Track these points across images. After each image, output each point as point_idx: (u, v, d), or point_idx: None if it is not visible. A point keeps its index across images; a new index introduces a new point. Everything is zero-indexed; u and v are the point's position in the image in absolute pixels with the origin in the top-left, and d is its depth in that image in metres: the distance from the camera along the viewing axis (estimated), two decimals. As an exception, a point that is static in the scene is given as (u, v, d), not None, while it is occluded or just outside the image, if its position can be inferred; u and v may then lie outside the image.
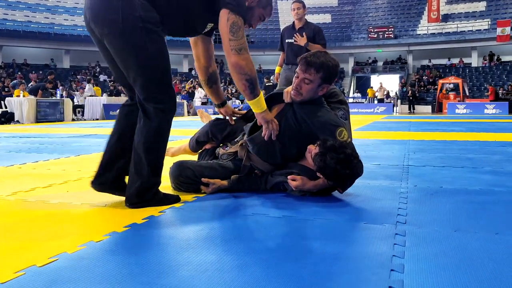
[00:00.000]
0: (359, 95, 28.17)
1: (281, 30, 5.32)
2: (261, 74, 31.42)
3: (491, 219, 1.85)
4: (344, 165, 2.07)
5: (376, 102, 24.26)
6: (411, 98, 25.14)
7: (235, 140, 2.55)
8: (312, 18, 35.67)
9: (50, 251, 1.42)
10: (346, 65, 33.00)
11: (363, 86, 29.89)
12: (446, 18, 31.36)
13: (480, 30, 29.23)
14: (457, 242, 1.55)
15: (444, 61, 30.84)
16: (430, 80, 28.43)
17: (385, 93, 25.34)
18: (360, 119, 14.25)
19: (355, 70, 32.95)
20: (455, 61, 30.49)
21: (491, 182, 2.72)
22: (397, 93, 27.09)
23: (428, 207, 2.07)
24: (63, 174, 3.03)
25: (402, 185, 2.61)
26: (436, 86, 26.55)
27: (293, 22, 5.19)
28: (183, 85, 25.54)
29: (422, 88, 28.22)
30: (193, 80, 25.69)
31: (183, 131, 8.12)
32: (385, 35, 31.31)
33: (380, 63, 32.74)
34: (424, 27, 31.41)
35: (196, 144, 2.72)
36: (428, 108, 25.90)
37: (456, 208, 2.04)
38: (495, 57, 29.17)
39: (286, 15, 36.38)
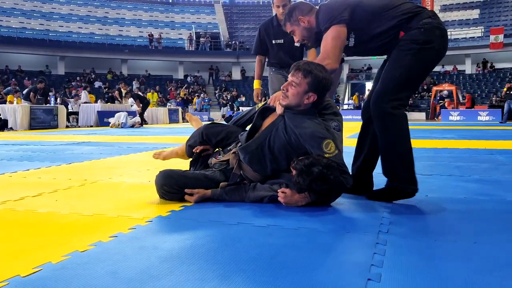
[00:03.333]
0: (353, 101, 28.31)
1: (260, 27, 4.15)
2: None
3: (472, 228, 1.88)
4: (319, 182, 2.11)
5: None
6: None
7: (228, 148, 2.57)
8: (307, 25, 35.94)
9: (35, 261, 1.44)
10: (341, 72, 33.11)
11: (356, 92, 29.94)
12: (439, 25, 31.56)
13: (473, 37, 29.48)
14: (436, 251, 1.58)
15: (438, 68, 30.99)
16: (425, 87, 28.58)
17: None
18: (353, 126, 14.30)
19: (349, 77, 33.09)
20: (449, 68, 30.69)
21: (477, 190, 2.76)
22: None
23: (411, 217, 2.11)
24: (53, 183, 3.04)
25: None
26: (430, 93, 26.72)
27: (275, 18, 4.03)
28: (178, 92, 25.55)
29: (416, 95, 28.36)
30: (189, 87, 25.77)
31: (176, 138, 8.13)
32: (380, 43, 31.50)
33: (374, 70, 32.86)
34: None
35: (189, 148, 2.73)
36: (423, 115, 26.04)
37: (439, 218, 2.08)
38: (489, 64, 29.40)
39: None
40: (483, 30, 29.28)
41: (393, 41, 2.33)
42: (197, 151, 2.70)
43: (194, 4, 39.17)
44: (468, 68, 30.08)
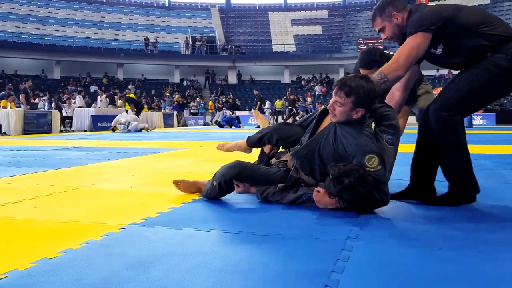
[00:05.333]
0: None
1: None
2: (252, 85, 31.60)
3: (440, 234, 1.91)
4: (348, 193, 2.14)
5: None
6: None
7: (291, 149, 2.62)
8: (303, 30, 36.05)
9: (1, 269, 1.46)
10: (337, 76, 33.20)
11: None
12: (435, 30, 31.75)
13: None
14: (400, 257, 1.61)
15: (433, 72, 31.11)
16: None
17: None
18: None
19: (345, 81, 33.19)
20: (444, 72, 30.80)
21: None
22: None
23: (382, 222, 2.14)
24: (35, 189, 3.06)
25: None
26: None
27: None
28: (173, 96, 25.59)
29: (411, 99, 28.48)
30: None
31: (169, 143, 8.15)
32: (375, 47, 31.65)
33: (370, 74, 33.05)
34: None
35: (257, 142, 2.78)
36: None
37: (409, 223, 2.11)
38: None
39: (277, 26, 36.72)
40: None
41: (478, 59, 2.32)
42: (267, 151, 2.79)
43: (190, 8, 39.25)
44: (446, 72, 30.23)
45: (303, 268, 1.48)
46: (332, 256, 1.60)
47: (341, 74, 32.97)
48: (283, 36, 35.79)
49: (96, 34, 32.74)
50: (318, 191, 2.26)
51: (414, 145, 2.63)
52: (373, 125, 2.41)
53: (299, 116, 22.98)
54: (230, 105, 21.72)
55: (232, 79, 33.86)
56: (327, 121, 2.46)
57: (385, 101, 2.59)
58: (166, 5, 38.83)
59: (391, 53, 2.80)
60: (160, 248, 1.70)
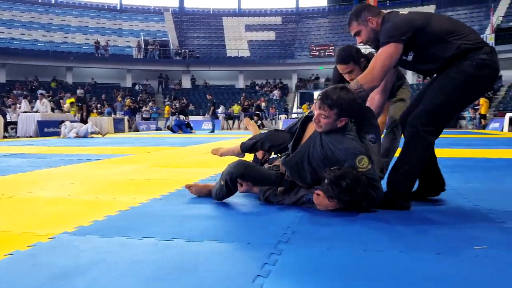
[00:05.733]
0: (302, 110, 28.85)
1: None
2: (206, 90, 31.49)
3: (370, 236, 1.99)
4: (347, 194, 2.29)
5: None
6: None
7: (283, 154, 2.77)
8: (257, 35, 36.34)
9: None
10: (290, 82, 33.75)
11: (306, 102, 30.53)
12: (383, 37, 32.85)
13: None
14: (329, 260, 1.67)
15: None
16: (369, 97, 29.59)
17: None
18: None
19: (298, 86, 33.72)
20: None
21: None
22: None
23: (318, 226, 2.20)
24: (-34, 199, 2.93)
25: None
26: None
27: None
28: (125, 100, 25.08)
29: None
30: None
31: (119, 149, 7.99)
32: (326, 53, 32.37)
33: (322, 80, 33.70)
34: (361, 46, 32.59)
35: (250, 148, 2.93)
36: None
37: (343, 225, 2.19)
38: (422, 76, 30.85)
39: (231, 31, 36.84)
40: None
41: (447, 66, 2.43)
42: (260, 156, 2.96)
43: (142, 11, 38.70)
44: (409, 78, 31.40)
45: (231, 273, 1.51)
46: (260, 260, 1.64)
47: (294, 80, 33.51)
48: (237, 41, 35.94)
49: (44, 37, 31.64)
50: (318, 194, 2.40)
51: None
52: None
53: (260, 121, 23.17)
54: (178, 110, 21.47)
55: (186, 83, 33.63)
56: (311, 128, 2.58)
57: (367, 104, 2.75)
58: (118, 7, 38.09)
59: (371, 52, 2.94)
60: (89, 257, 1.67)
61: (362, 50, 2.92)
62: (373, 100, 2.78)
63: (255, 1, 39.97)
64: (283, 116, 26.27)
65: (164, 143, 9.85)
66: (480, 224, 2.22)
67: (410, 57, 2.49)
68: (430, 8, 33.67)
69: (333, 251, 1.77)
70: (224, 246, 1.84)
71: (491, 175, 4.12)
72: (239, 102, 27.75)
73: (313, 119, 2.47)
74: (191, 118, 23.61)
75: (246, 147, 2.94)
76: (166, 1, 39.70)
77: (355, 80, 2.50)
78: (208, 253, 1.74)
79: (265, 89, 32.85)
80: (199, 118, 25.74)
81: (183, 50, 33.72)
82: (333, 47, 32.58)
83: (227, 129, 23.13)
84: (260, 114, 24.96)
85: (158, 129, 22.85)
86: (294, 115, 28.38)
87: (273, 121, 26.03)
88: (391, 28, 2.43)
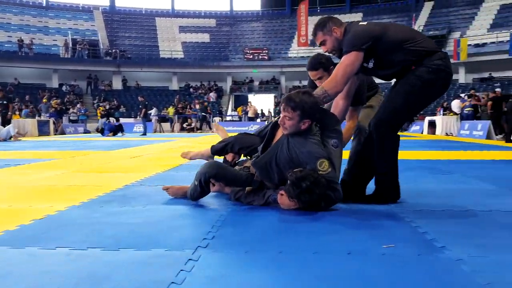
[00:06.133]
0: (236, 113, 29.00)
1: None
2: (138, 91, 30.73)
3: (290, 237, 2.05)
4: (306, 195, 2.45)
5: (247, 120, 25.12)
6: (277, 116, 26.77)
7: (254, 156, 2.92)
8: (191, 37, 36.05)
9: None
10: (225, 84, 33.81)
11: (240, 104, 30.74)
12: (314, 43, 33.64)
13: (343, 55, 32.01)
14: (245, 264, 1.70)
15: (314, 82, 33.12)
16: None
17: (257, 111, 26.35)
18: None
19: (233, 89, 33.86)
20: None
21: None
22: (271, 112, 28.40)
23: (239, 228, 2.23)
24: None
25: (229, 208, 2.75)
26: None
27: None
28: (50, 102, 23.87)
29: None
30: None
31: (42, 153, 7.59)
32: (260, 57, 32.81)
33: (256, 83, 34.10)
34: (295, 50, 33.56)
35: (220, 151, 3.11)
36: (300, 126, 27.54)
37: (265, 228, 2.23)
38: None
39: (164, 32, 36.26)
40: (351, 48, 31.95)
41: (405, 71, 2.68)
42: (229, 159, 3.09)
43: (70, 9, 37.01)
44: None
45: (144, 282, 1.49)
46: (176, 267, 1.63)
47: (229, 82, 33.61)
48: (170, 42, 35.43)
49: (-40, 33, 29.41)
50: (281, 194, 2.56)
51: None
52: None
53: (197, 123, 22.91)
54: (105, 113, 20.80)
55: (117, 84, 32.64)
56: (280, 133, 2.76)
57: (331, 109, 2.94)
58: (44, 4, 36.18)
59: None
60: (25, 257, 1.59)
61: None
62: (338, 105, 2.98)
63: (189, 2, 39.59)
64: (217, 119, 26.23)
65: (92, 147, 9.50)
66: (391, 223, 2.35)
67: (370, 64, 2.74)
68: (358, 16, 35.18)
69: (250, 255, 1.80)
70: (141, 254, 1.81)
71: (407, 176, 4.37)
72: (173, 104, 27.37)
73: (279, 121, 2.64)
74: (122, 120, 22.96)
75: (216, 150, 3.10)
76: (96, -1, 38.23)
77: (319, 86, 2.70)
78: (123, 262, 1.71)
79: (200, 91, 32.66)
80: (131, 120, 25.06)
81: (113, 50, 32.68)
82: (266, 51, 33.08)
83: (160, 132, 22.68)
84: (207, 116, 24.78)
85: (86, 131, 21.97)
86: (228, 118, 28.47)
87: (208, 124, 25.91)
88: (352, 38, 2.67)
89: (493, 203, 2.85)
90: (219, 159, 3.21)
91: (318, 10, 37.03)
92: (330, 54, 2.93)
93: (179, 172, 4.64)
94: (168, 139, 13.59)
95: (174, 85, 33.60)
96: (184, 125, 24.12)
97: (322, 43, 2.81)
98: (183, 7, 39.44)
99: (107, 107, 24.81)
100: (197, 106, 26.28)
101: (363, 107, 3.31)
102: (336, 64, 2.98)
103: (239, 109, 28.67)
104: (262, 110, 28.49)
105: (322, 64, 3.03)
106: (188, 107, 26.52)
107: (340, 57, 2.76)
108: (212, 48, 35.03)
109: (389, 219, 2.46)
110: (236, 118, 27.61)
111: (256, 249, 1.87)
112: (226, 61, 33.63)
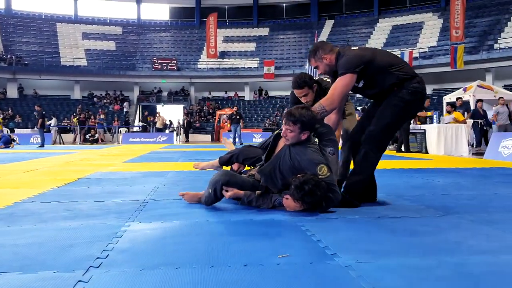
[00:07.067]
0: (144, 124, 28.16)
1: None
2: (37, 100, 28.76)
3: (181, 251, 2.03)
4: (309, 196, 2.77)
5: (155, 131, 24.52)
6: (185, 127, 26.67)
7: (256, 165, 3.30)
8: (95, 44, 34.57)
9: None
10: (132, 94, 32.85)
11: (148, 115, 29.97)
12: (223, 55, 34.25)
13: (251, 67, 32.80)
14: (137, 284, 1.64)
15: (222, 94, 33.43)
16: (210, 111, 30.41)
17: (166, 122, 25.91)
18: (138, 148, 14.21)
19: (140, 99, 33.00)
20: (231, 94, 33.39)
21: (212, 213, 3.01)
22: (180, 122, 28.09)
23: (136, 243, 2.16)
24: None
25: (126, 223, 2.66)
26: (215, 117, 28.54)
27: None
28: None
29: (202, 118, 29.97)
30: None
31: None
32: (169, 67, 32.39)
33: (165, 93, 33.59)
34: (204, 61, 33.65)
35: (226, 162, 3.46)
36: (208, 137, 27.59)
37: (167, 244, 2.18)
38: (264, 92, 33.06)
39: (66, 38, 34.41)
40: (258, 61, 32.85)
41: (388, 92, 3.11)
42: (235, 168, 3.40)
43: (-43, 9, 33.78)
44: (247, 94, 33.26)
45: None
46: (64, 289, 1.54)
47: (136, 92, 32.73)
48: (73, 49, 33.70)
49: None
50: (287, 198, 2.89)
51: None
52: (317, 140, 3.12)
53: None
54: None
55: (12, 92, 30.31)
56: (281, 143, 3.12)
57: (325, 121, 3.25)
58: None
59: (320, 77, 3.69)
60: None
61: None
62: (330, 118, 3.33)
63: (93, 9, 37.74)
64: (123, 130, 25.28)
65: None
66: (287, 232, 2.43)
67: (360, 84, 3.15)
68: (265, 31, 36.29)
69: (145, 273, 1.75)
70: (25, 278, 1.68)
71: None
72: (74, 114, 25.98)
73: (281, 134, 3.00)
74: (17, 131, 21.28)
75: (223, 161, 3.47)
76: (-12, 0, 35.18)
77: (318, 102, 3.07)
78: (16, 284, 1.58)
79: (105, 101, 31.38)
80: (27, 131, 23.35)
81: (9, 56, 30.30)
82: (175, 61, 32.75)
83: (60, 144, 21.28)
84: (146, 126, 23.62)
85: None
86: (135, 129, 27.59)
87: (114, 135, 24.91)
88: (347, 62, 3.05)
89: (381, 209, 3.06)
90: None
91: (227, 23, 37.57)
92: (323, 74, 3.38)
93: (77, 187, 4.40)
94: (68, 151, 12.83)
95: (77, 94, 31.97)
96: (87, 136, 22.94)
97: (316, 67, 3.25)
98: (87, 14, 37.74)
99: (1, 116, 22.84)
100: (102, 116, 25.19)
101: (345, 116, 3.71)
102: (317, 81, 3.58)
103: (148, 118, 27.77)
104: (171, 121, 28.05)
105: (306, 83, 3.46)
106: (92, 117, 25.34)
107: (333, 77, 3.25)
108: (118, 57, 33.91)
109: (286, 228, 2.54)
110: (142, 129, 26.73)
111: (152, 266, 1.82)
112: (133, 70, 32.72)
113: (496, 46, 25.53)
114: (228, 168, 3.49)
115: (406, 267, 1.81)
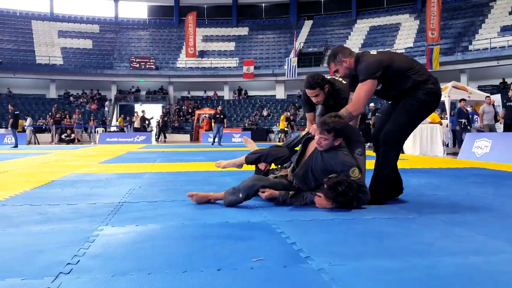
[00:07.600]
0: (118, 123, 27.82)
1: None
2: (11, 99, 28.13)
3: (156, 255, 2.00)
4: (341, 197, 2.99)
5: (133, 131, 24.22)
6: (160, 127, 26.46)
7: (284, 165, 3.58)
8: (71, 43, 33.99)
9: None
10: (109, 93, 32.43)
11: (127, 114, 29.64)
12: (202, 54, 34.09)
13: (230, 67, 32.73)
14: (112, 286, 1.62)
15: (201, 93, 33.26)
16: (189, 111, 30.23)
17: (144, 122, 25.62)
18: (116, 149, 14.01)
19: (118, 98, 32.60)
20: (211, 93, 33.26)
21: (188, 215, 2.98)
22: (160, 122, 27.81)
23: (110, 248, 2.13)
24: None
25: (99, 227, 2.62)
26: (193, 117, 28.39)
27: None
28: None
29: (181, 118, 29.77)
30: None
31: None
32: (147, 66, 32.08)
33: (143, 93, 33.24)
34: (183, 61, 33.42)
35: (254, 161, 3.63)
36: (187, 136, 27.43)
37: (140, 249, 2.15)
38: (243, 92, 33.03)
39: (41, 36, 33.75)
40: (238, 61, 32.81)
41: (405, 94, 3.30)
42: (262, 167, 3.61)
43: None
44: (227, 94, 33.18)
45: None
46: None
47: (114, 91, 32.32)
48: (48, 47, 33.07)
49: None
50: (319, 196, 3.09)
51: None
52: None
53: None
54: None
55: (-14, 93, 29.56)
56: (311, 146, 3.34)
57: None
58: None
59: (333, 77, 3.80)
60: None
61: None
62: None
63: (70, 6, 37.02)
64: (100, 130, 24.91)
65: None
66: (262, 235, 2.43)
67: (379, 87, 3.30)
68: (244, 30, 36.27)
69: (117, 279, 1.72)
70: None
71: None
72: (50, 113, 25.50)
73: (315, 142, 3.20)
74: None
75: (251, 160, 3.63)
76: (-40, -5, 34.19)
77: (344, 108, 3.27)
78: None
79: (81, 100, 30.89)
80: (1, 131, 22.83)
81: (-19, 54, 29.58)
82: (153, 60, 32.45)
83: (35, 144, 20.87)
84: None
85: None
86: (113, 128, 27.26)
87: (91, 135, 24.53)
88: (367, 67, 3.21)
89: (355, 211, 3.09)
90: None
91: (206, 22, 37.41)
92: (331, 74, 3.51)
93: (50, 190, 4.31)
94: (43, 151, 12.58)
95: (52, 93, 31.40)
96: (63, 136, 22.53)
97: (336, 71, 3.39)
98: (63, 11, 37.06)
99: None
100: (79, 116, 24.81)
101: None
102: (329, 81, 3.67)
103: (120, 119, 27.38)
104: (149, 120, 27.74)
105: (318, 84, 3.57)
106: (68, 116, 24.92)
107: (352, 80, 3.43)
108: (95, 55, 33.41)
109: (261, 230, 2.54)
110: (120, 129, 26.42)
111: (124, 272, 1.80)
112: (110, 69, 32.29)
113: (470, 47, 26.09)
114: (253, 167, 3.71)
115: (377, 270, 1.82)
